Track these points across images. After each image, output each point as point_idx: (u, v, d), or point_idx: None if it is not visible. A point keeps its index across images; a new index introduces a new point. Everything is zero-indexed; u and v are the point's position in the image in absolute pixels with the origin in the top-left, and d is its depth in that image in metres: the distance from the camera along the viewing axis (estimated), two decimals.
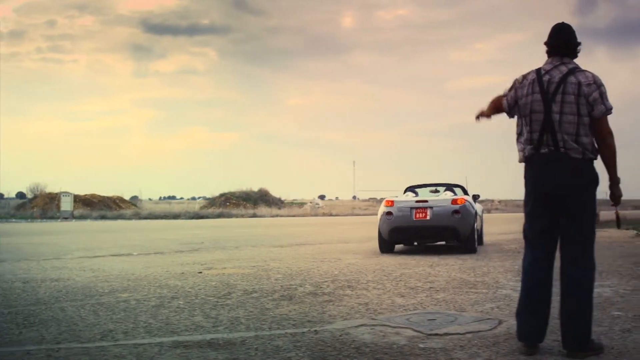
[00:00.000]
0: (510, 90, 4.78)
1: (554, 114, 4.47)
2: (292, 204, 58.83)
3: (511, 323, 5.46)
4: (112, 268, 10.54)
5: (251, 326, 5.65)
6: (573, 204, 4.49)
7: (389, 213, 13.14)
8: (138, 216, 40.97)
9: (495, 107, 4.97)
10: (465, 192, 14.95)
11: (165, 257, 12.96)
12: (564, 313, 4.52)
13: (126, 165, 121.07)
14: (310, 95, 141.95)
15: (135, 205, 50.29)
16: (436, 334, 5.17)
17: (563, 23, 4.73)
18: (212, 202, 54.08)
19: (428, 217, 12.76)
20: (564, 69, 4.54)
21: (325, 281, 8.52)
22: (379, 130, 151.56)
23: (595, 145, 4.50)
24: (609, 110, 4.44)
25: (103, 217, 39.66)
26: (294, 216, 46.03)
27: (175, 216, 41.31)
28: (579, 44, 4.68)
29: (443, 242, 14.19)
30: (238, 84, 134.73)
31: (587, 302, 4.49)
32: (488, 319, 5.75)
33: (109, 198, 48.84)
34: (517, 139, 4.73)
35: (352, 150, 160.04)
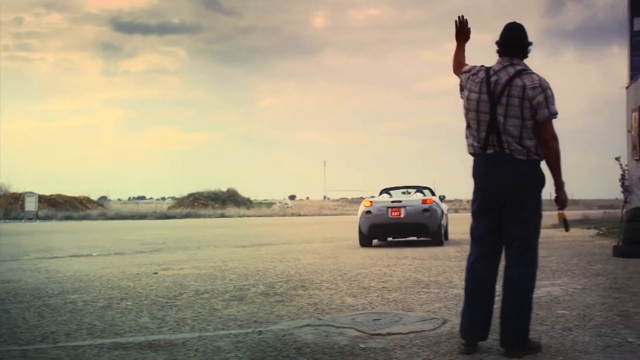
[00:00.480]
0: (466, 73, 4.76)
1: (499, 116, 4.48)
2: (261, 204, 58.64)
3: (455, 322, 5.51)
4: (67, 269, 10.44)
5: (196, 327, 5.62)
6: (516, 204, 4.52)
7: (368, 212, 15.09)
8: (104, 217, 40.59)
9: (456, 62, 5.00)
10: (433, 193, 16.79)
11: (124, 258, 12.86)
12: (504, 311, 4.56)
13: (95, 165, 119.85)
14: (281, 95, 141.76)
15: (102, 205, 49.79)
16: (379, 334, 5.18)
17: (514, 23, 4.72)
18: (180, 202, 53.76)
19: (402, 215, 14.84)
20: (511, 70, 4.54)
21: (279, 281, 8.50)
22: (350, 130, 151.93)
23: (539, 148, 4.49)
24: (553, 114, 4.43)
25: (68, 218, 39.22)
26: (262, 216, 45.91)
27: (142, 216, 40.99)
28: (530, 44, 4.67)
29: (414, 237, 16.17)
30: (209, 84, 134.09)
31: (526, 302, 4.53)
32: (433, 318, 5.78)
33: (75, 198, 48.31)
34: (466, 131, 4.73)
35: (323, 151, 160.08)
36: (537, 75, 4.50)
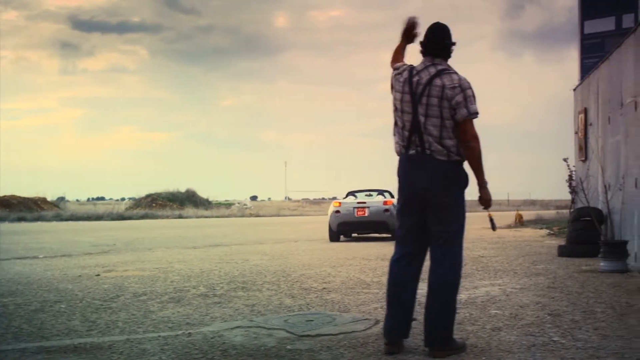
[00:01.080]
0: (395, 71, 4.77)
1: (420, 116, 4.49)
2: (220, 204, 58.25)
3: None
4: (7, 272, 10.22)
5: (126, 330, 5.55)
6: (437, 205, 4.53)
7: (337, 211, 17.60)
8: (59, 218, 39.90)
9: (393, 60, 4.98)
10: (392, 196, 18.67)
11: (71, 259, 12.65)
12: (427, 311, 4.59)
13: (54, 165, 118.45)
14: (242, 95, 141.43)
15: (58, 206, 49.00)
16: (308, 335, 5.16)
17: (437, 23, 4.73)
18: (138, 203, 53.17)
19: (366, 214, 17.39)
20: (432, 70, 4.55)
21: (221, 283, 8.44)
22: (312, 131, 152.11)
23: (460, 148, 4.51)
24: (472, 114, 4.44)
25: (21, 219, 38.46)
26: (220, 217, 45.63)
27: (98, 217, 40.39)
28: (453, 44, 4.69)
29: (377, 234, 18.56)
30: (169, 84, 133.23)
31: (449, 302, 4.54)
32: (366, 319, 5.78)
33: (29, 199, 47.38)
34: (394, 130, 4.74)
35: (285, 151, 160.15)
36: (457, 75, 4.51)
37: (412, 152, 4.56)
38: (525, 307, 6.35)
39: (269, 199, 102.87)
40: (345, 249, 14.56)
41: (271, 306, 6.62)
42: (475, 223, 31.05)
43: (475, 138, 4.47)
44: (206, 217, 44.84)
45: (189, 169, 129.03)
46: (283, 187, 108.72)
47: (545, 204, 67.79)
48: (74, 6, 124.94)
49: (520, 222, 28.10)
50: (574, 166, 14.76)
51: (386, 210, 17.36)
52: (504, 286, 7.83)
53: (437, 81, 4.48)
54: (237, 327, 5.55)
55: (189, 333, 5.34)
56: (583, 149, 14.25)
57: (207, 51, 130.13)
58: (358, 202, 17.84)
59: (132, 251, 14.62)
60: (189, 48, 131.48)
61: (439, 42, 4.64)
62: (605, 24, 21.32)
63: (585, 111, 14.00)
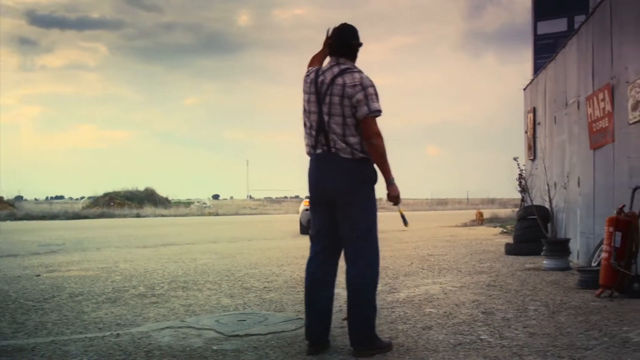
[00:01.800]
0: (306, 73, 4.76)
1: (324, 115, 4.49)
2: (179, 203, 57.81)
3: None
4: None
5: (54, 331, 5.43)
6: (345, 203, 4.50)
7: (306, 209, 18.92)
8: (13, 217, 39.18)
9: (309, 63, 4.95)
10: None
11: (15, 260, 12.40)
12: (348, 311, 4.55)
13: (12, 164, 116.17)
14: (205, 93, 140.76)
15: (13, 205, 48.13)
16: (237, 335, 5.11)
17: (343, 24, 4.75)
18: (95, 202, 52.51)
19: None
20: (336, 70, 4.56)
21: (162, 282, 8.33)
22: (274, 130, 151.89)
23: (365, 146, 4.47)
24: (372, 112, 4.40)
25: None
26: (179, 216, 45.26)
27: (54, 217, 39.77)
28: (359, 44, 4.71)
29: None
30: (130, 81, 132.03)
31: (366, 302, 4.50)
32: (298, 318, 5.73)
33: None
34: (304, 131, 4.71)
35: (247, 150, 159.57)
36: (360, 74, 4.51)
37: (319, 151, 4.55)
38: (461, 305, 6.37)
39: (231, 197, 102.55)
40: (296, 248, 14.51)
41: (208, 306, 6.55)
42: (430, 221, 31.36)
43: (377, 135, 4.43)
44: (164, 216, 44.45)
45: (151, 168, 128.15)
46: (245, 186, 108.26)
47: (504, 203, 68.54)
48: (32, 1, 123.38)
49: (480, 220, 28.42)
50: (524, 165, 14.89)
51: None
52: (445, 284, 7.85)
53: (339, 80, 4.48)
54: (168, 327, 5.48)
55: (117, 334, 5.25)
56: (532, 148, 14.40)
57: (169, 49, 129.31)
58: None
59: (80, 251, 14.38)
60: (151, 45, 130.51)
61: (344, 42, 4.65)
62: (558, 25, 21.59)
63: (534, 110, 14.14)
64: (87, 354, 4.61)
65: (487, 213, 33.81)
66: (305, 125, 4.65)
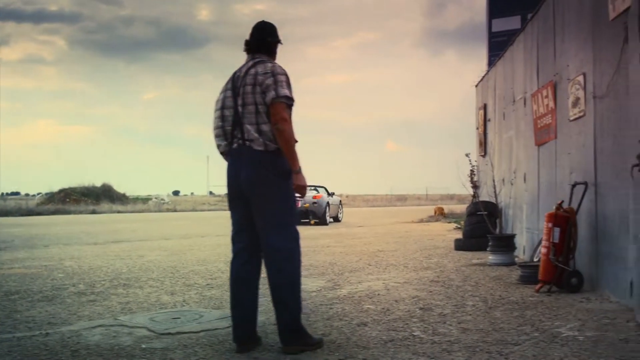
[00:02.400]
0: None
1: (239, 107, 4.49)
2: (137, 199, 57.16)
3: (258, 319, 5.42)
4: None
5: None
6: (259, 198, 4.45)
7: None
8: None
9: None
10: (327, 190, 26.18)
11: None
12: (274, 307, 4.51)
13: None
14: (165, 88, 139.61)
15: None
16: (169, 333, 5.03)
17: (260, 22, 4.77)
18: (51, 198, 51.63)
19: (299, 205, 22.56)
20: (250, 63, 4.60)
21: (104, 280, 8.20)
22: None
23: None
24: (280, 97, 4.36)
25: None
26: (136, 212, 44.74)
27: (7, 213, 39.00)
28: (275, 42, 4.75)
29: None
30: (89, 76, 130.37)
31: (289, 295, 4.45)
32: None
33: None
34: (214, 133, 4.71)
35: (208, 146, 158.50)
36: (273, 64, 4.54)
37: (234, 146, 4.52)
38: (400, 301, 6.36)
39: (192, 193, 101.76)
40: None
41: (146, 304, 6.45)
42: (387, 217, 31.49)
43: (284, 120, 4.36)
44: (121, 212, 43.92)
45: (110, 164, 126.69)
46: (206, 182, 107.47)
47: (462, 199, 68.88)
48: None
49: (442, 215, 28.62)
50: (475, 161, 15.00)
51: (314, 202, 23.80)
52: (389, 281, 7.85)
53: (252, 70, 4.51)
54: (100, 325, 5.38)
55: (47, 333, 5.13)
56: (482, 145, 14.51)
57: (128, 43, 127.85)
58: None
59: (27, 248, 14.09)
60: (110, 39, 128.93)
61: (259, 39, 4.69)
62: (512, 23, 21.76)
63: (485, 107, 14.25)
64: (11, 354, 4.50)
65: (445, 209, 34.02)
66: (215, 126, 4.64)
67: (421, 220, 27.66)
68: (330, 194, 26.20)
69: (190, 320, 5.52)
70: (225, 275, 8.57)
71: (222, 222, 26.37)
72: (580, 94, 7.10)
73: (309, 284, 7.58)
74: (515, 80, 10.91)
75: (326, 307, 6.09)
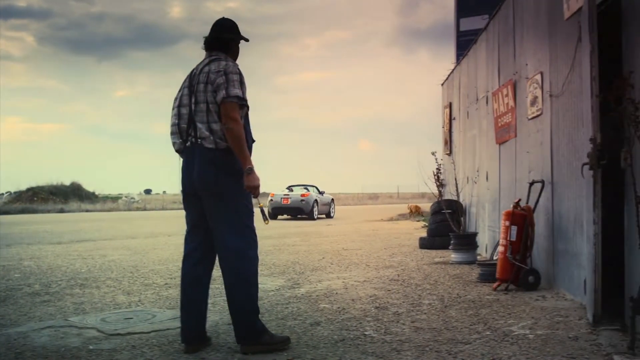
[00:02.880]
0: None
1: (192, 105, 4.44)
2: (106, 198, 56.64)
3: (212, 319, 5.38)
4: None
5: None
6: (211, 196, 4.40)
7: (271, 200, 27.57)
8: None
9: None
10: (318, 189, 29.59)
11: None
12: (228, 306, 4.46)
13: None
14: (137, 86, 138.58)
15: None
16: (118, 334, 4.96)
17: (219, 19, 4.72)
18: (18, 196, 50.97)
19: (289, 202, 27.20)
20: (206, 61, 4.56)
21: (61, 280, 8.07)
22: None
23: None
24: (231, 97, 4.28)
25: None
26: (105, 211, 44.33)
27: None
28: (234, 39, 4.66)
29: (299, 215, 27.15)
30: (59, 73, 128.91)
31: (242, 295, 4.40)
32: None
33: None
34: (170, 130, 4.65)
35: None
36: (226, 62, 4.47)
37: (188, 144, 4.47)
38: (357, 300, 6.34)
39: (164, 192, 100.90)
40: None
41: (100, 304, 6.35)
42: (357, 216, 31.49)
43: (232, 120, 4.27)
44: (90, 211, 43.49)
45: (80, 162, 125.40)
46: (177, 180, 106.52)
47: (433, 197, 69.12)
48: None
49: (419, 213, 28.73)
50: (441, 159, 15.03)
51: (302, 200, 27.12)
52: (349, 279, 7.83)
53: (206, 68, 4.47)
54: (49, 327, 5.28)
55: None
56: (448, 143, 14.55)
57: (99, 40, 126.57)
58: (284, 194, 27.65)
59: None
60: (80, 36, 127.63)
61: (215, 37, 4.63)
62: (479, 22, 21.87)
63: (450, 106, 14.29)
64: None
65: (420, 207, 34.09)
66: (173, 123, 4.58)
67: (391, 219, 27.72)
68: (321, 193, 29.65)
69: (143, 320, 5.44)
70: None
71: None
72: (538, 92, 7.13)
73: (268, 283, 7.54)
74: (478, 79, 10.95)
75: (282, 307, 6.04)
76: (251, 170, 4.32)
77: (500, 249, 6.99)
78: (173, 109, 4.60)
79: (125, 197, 57.06)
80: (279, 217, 28.01)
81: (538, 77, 7.11)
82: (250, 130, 4.55)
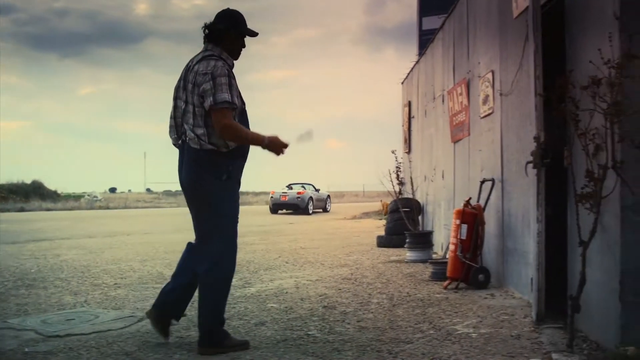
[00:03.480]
0: None
1: (182, 102, 4.38)
2: (69, 196, 55.85)
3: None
4: None
5: None
6: (193, 195, 4.38)
7: (271, 197, 31.11)
8: None
9: None
10: (314, 187, 33.03)
11: None
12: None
13: None
14: (102, 83, 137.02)
15: None
16: (57, 336, 4.85)
17: (221, 11, 4.58)
18: None
19: (287, 199, 30.36)
20: (200, 56, 4.43)
21: (8, 280, 7.89)
22: None
23: (213, 137, 4.25)
24: (218, 103, 4.16)
25: None
26: (67, 210, 43.72)
27: None
28: (225, 29, 4.46)
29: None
30: (22, 69, 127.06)
31: (208, 298, 4.37)
32: (131, 316, 5.52)
33: None
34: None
35: (145, 142, 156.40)
36: (215, 62, 4.31)
37: (180, 141, 4.45)
38: (306, 299, 6.29)
39: (130, 190, 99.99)
40: (171, 242, 14.17)
41: (45, 305, 6.21)
42: (321, 214, 31.44)
43: (225, 128, 4.18)
44: (51, 210, 42.86)
45: (43, 160, 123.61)
46: (143, 179, 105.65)
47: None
48: None
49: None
50: (401, 157, 15.05)
51: (297, 197, 30.27)
52: (301, 278, 7.78)
53: (196, 67, 4.35)
54: None
55: None
56: (407, 141, 14.57)
57: (62, 36, 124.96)
58: (282, 192, 30.86)
59: None
60: (43, 32, 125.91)
61: (209, 27, 4.49)
62: (441, 21, 22.00)
63: (409, 104, 14.32)
64: None
65: (377, 206, 34.18)
66: (171, 116, 4.54)
67: (354, 217, 27.72)
68: (317, 190, 33.28)
69: (84, 321, 5.33)
70: (138, 274, 8.40)
71: (152, 220, 25.97)
72: (490, 91, 7.14)
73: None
74: (435, 77, 10.98)
75: (229, 307, 5.92)
76: (267, 141, 4.34)
77: (450, 247, 7.00)
78: (172, 100, 4.53)
79: (88, 195, 56.34)
80: (279, 211, 31.10)
81: (489, 75, 7.12)
82: (248, 126, 4.48)
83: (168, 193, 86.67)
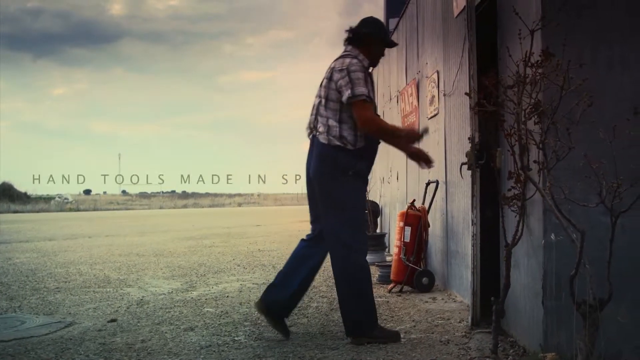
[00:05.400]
0: None
1: (317, 97, 4.52)
2: (39, 198, 55.33)
3: (84, 325, 5.17)
4: None
5: None
6: (320, 190, 4.44)
7: None
8: None
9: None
10: None
11: None
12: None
13: None
14: (75, 83, 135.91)
15: None
16: None
17: (366, 17, 4.74)
18: None
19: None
20: (338, 56, 4.58)
21: None
22: (148, 122, 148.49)
23: (344, 132, 4.35)
24: (355, 96, 4.30)
25: None
26: (37, 212, 43.29)
27: None
28: (369, 33, 4.61)
29: None
30: None
31: (345, 290, 4.49)
32: (59, 322, 5.37)
33: None
34: None
35: (119, 143, 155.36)
36: (350, 59, 4.45)
37: (310, 135, 4.56)
38: (244, 304, 6.17)
39: (105, 192, 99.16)
40: (131, 245, 14.00)
41: None
42: (291, 216, 31.37)
43: (366, 122, 4.34)
44: (19, 212, 42.40)
45: (16, 161, 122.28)
46: (118, 180, 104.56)
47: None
48: None
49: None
50: None
51: None
52: (247, 282, 7.66)
53: (332, 64, 4.52)
54: None
55: None
56: None
57: (35, 36, 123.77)
58: None
59: None
60: (15, 31, 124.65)
61: (352, 31, 4.63)
62: None
63: None
64: None
65: None
66: (310, 113, 4.68)
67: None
68: None
69: (8, 327, 5.17)
70: (83, 278, 8.26)
71: (120, 222, 25.73)
72: (435, 92, 7.07)
73: (163, 286, 7.33)
74: (391, 78, 10.92)
75: (164, 311, 5.84)
76: (408, 148, 4.63)
77: (394, 250, 6.91)
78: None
79: (58, 197, 55.82)
80: None
81: (435, 76, 7.05)
82: None
83: (143, 195, 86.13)
